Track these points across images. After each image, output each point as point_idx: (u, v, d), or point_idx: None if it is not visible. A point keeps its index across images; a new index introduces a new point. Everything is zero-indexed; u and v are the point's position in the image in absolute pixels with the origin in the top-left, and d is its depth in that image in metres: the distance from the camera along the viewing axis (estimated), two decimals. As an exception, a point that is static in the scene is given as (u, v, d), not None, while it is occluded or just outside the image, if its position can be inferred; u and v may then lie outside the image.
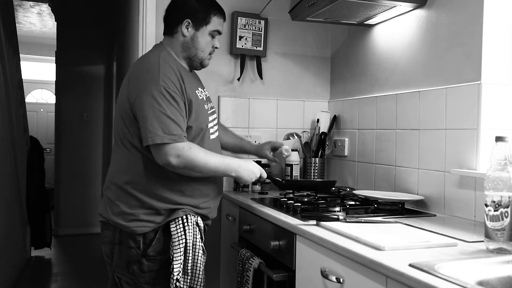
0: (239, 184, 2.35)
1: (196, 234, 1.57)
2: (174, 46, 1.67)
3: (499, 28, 1.60)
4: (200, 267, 1.56)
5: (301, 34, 2.60)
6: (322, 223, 1.44)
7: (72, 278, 3.90)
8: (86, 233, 5.40)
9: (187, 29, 1.64)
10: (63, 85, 5.40)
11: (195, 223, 1.57)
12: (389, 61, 2.10)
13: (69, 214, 5.40)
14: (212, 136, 1.70)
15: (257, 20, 2.45)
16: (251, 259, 1.75)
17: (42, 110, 7.63)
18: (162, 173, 1.54)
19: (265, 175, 1.69)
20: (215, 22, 1.67)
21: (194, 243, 1.56)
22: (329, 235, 1.31)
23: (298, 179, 2.38)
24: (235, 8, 2.43)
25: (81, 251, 4.83)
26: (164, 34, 1.71)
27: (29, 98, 7.32)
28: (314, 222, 1.48)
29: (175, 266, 1.49)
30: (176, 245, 1.51)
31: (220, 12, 1.69)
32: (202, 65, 1.72)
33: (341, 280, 1.23)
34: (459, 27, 1.69)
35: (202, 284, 1.57)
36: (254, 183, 1.89)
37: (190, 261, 1.53)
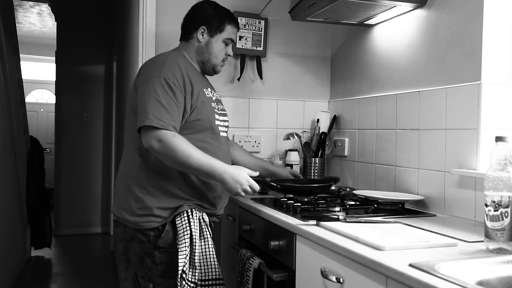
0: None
1: (203, 228, 1.61)
2: (189, 50, 1.76)
3: (499, 28, 1.60)
4: (211, 260, 1.60)
5: (301, 34, 2.60)
6: (322, 223, 1.44)
7: (72, 278, 3.90)
8: (86, 233, 5.41)
9: (202, 35, 1.74)
10: (63, 85, 5.40)
11: (200, 217, 1.62)
12: (389, 61, 2.10)
13: (69, 214, 5.40)
14: (222, 134, 1.76)
15: (257, 20, 2.45)
16: (251, 259, 1.75)
17: (42, 110, 7.64)
18: (170, 168, 1.59)
19: (256, 187, 1.57)
20: (229, 31, 1.77)
21: (205, 237, 1.60)
22: (329, 235, 1.31)
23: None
24: (235, 8, 2.43)
25: (81, 251, 4.83)
26: (181, 39, 1.80)
27: (29, 98, 7.32)
28: (314, 222, 1.48)
29: (180, 258, 1.52)
30: (181, 238, 1.54)
31: (234, 22, 1.79)
32: (214, 71, 1.81)
33: (341, 280, 1.23)
34: (459, 27, 1.69)
35: (218, 276, 1.59)
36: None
37: (197, 254, 1.56)
